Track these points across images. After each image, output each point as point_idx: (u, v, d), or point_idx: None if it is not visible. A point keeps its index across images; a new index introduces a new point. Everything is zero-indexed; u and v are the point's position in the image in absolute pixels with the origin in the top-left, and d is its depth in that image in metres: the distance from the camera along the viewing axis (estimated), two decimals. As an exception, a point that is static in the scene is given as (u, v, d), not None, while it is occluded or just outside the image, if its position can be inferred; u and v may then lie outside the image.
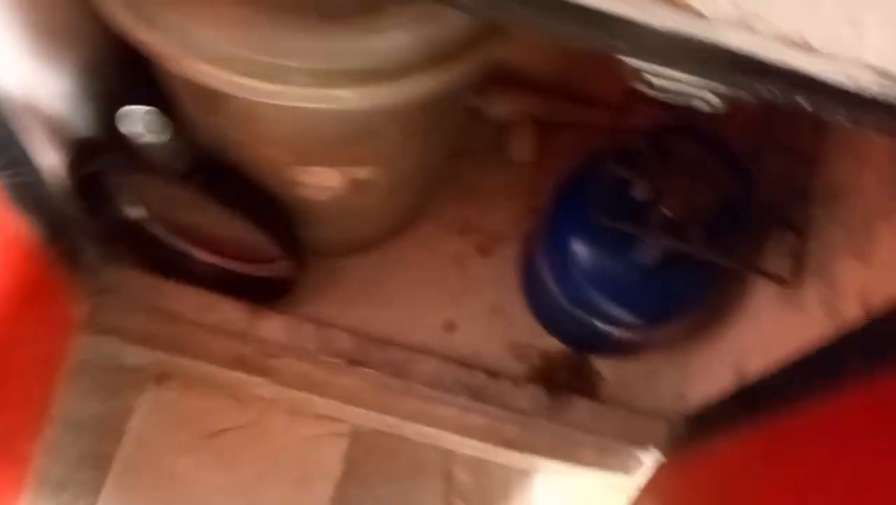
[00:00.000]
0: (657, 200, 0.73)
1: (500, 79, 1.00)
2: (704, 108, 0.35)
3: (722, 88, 0.33)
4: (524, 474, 0.94)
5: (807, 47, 0.30)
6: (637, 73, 0.34)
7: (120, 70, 0.83)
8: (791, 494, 0.63)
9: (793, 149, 0.77)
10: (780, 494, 0.65)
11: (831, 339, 0.64)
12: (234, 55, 0.53)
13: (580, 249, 0.83)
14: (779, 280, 0.70)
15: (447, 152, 0.88)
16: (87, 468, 0.90)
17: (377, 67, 0.55)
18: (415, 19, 0.54)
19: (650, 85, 0.34)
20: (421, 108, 0.63)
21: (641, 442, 0.87)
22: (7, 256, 0.70)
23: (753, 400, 0.74)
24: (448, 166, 0.98)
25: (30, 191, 0.70)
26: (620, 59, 0.33)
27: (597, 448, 0.89)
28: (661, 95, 0.35)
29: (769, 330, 0.77)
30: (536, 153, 1.06)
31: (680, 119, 0.83)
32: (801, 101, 0.33)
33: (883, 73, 0.31)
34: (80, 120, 0.78)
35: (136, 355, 0.93)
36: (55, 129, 0.75)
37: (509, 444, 0.89)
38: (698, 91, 0.34)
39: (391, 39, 0.55)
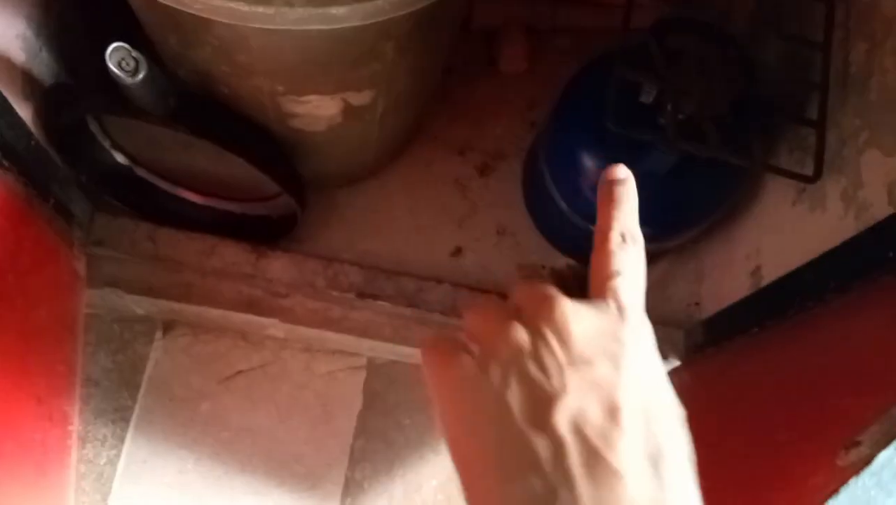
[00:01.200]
0: (667, 103, 0.70)
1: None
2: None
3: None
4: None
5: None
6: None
7: (81, 7, 0.78)
8: (813, 397, 0.63)
9: (801, 37, 0.74)
10: (802, 397, 0.65)
11: (856, 234, 0.62)
12: (217, -23, 0.48)
13: (588, 161, 0.81)
14: (798, 177, 0.68)
15: (442, 69, 0.84)
16: (106, 423, 0.89)
17: (371, -20, 0.51)
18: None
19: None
20: (418, 21, 0.59)
21: (660, 353, 0.86)
22: (3, 219, 0.67)
23: (771, 302, 0.74)
24: (442, 83, 0.94)
25: (12, 147, 0.66)
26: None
27: (615, 360, 0.89)
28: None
29: (787, 230, 0.75)
30: (529, 62, 1.02)
31: (681, 13, 0.79)
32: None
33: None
34: (43, 66, 0.73)
35: (140, 305, 0.91)
36: (21, 78, 0.70)
37: (527, 363, 0.89)
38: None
39: (384, -52, 0.50)
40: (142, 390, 0.90)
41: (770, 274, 0.77)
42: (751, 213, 0.84)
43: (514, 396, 0.28)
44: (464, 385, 0.29)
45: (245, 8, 0.49)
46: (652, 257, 0.94)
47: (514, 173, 0.97)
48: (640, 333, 0.31)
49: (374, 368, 0.95)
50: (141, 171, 0.84)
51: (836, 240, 0.64)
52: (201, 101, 0.68)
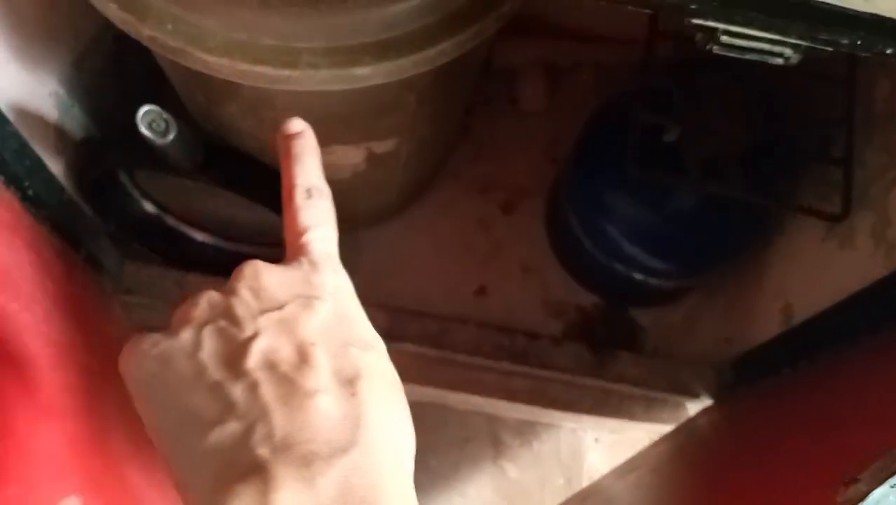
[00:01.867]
0: (690, 143, 0.70)
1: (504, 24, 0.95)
2: (777, 61, 0.32)
3: (800, 42, 0.30)
4: (573, 433, 0.93)
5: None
6: (705, 31, 0.30)
7: (112, 64, 0.80)
8: (830, 437, 0.62)
9: (824, 73, 0.74)
10: (821, 436, 0.63)
11: (887, 274, 0.61)
12: (245, 43, 0.49)
13: (611, 200, 0.81)
14: (825, 216, 0.67)
15: (464, 113, 0.85)
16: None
17: (393, 38, 0.51)
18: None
19: (717, 42, 0.31)
20: (439, 74, 0.59)
21: (690, 392, 0.85)
22: (49, 271, 0.68)
23: (802, 342, 0.73)
24: (463, 124, 0.95)
25: (44, 202, 0.67)
26: (687, 20, 0.30)
27: (645, 401, 0.88)
28: (728, 52, 0.32)
29: (816, 269, 0.74)
30: (550, 100, 1.03)
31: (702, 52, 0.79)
32: (889, 50, 0.30)
33: None
34: (75, 122, 0.75)
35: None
36: (53, 134, 0.72)
37: (555, 404, 0.88)
38: (772, 46, 0.30)
39: (406, 6, 0.51)
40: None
41: (801, 312, 0.76)
42: (779, 250, 0.83)
43: (208, 352, 0.27)
44: (157, 360, 0.28)
45: (272, 72, 0.50)
46: (680, 294, 0.94)
47: (537, 211, 0.98)
48: (333, 278, 0.31)
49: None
50: (170, 220, 0.86)
51: (866, 279, 0.63)
52: (228, 154, 0.70)
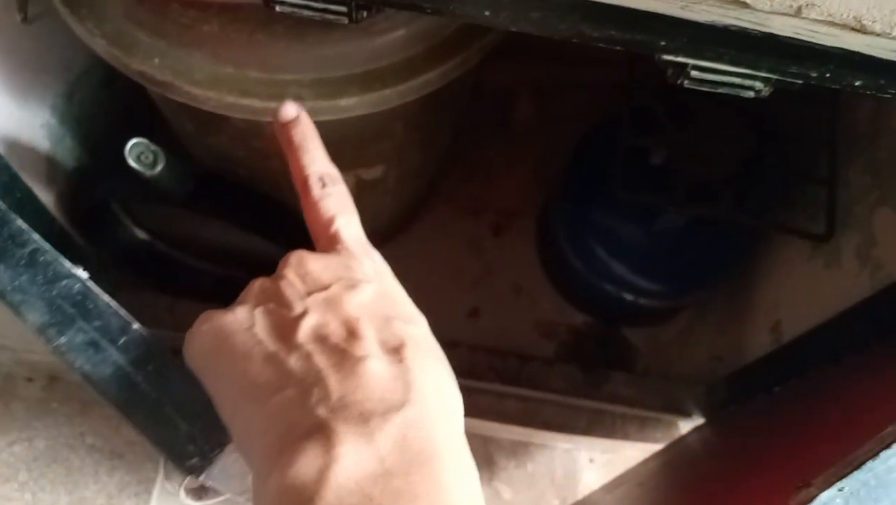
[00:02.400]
0: (677, 164, 0.71)
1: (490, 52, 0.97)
2: (749, 94, 0.32)
3: (770, 76, 0.31)
4: (567, 453, 0.93)
5: (864, 30, 0.27)
6: (675, 67, 0.31)
7: (103, 94, 0.80)
8: (818, 448, 0.62)
9: (810, 95, 0.75)
10: (806, 450, 0.64)
11: (871, 294, 0.62)
12: (232, 76, 0.50)
13: (600, 221, 0.81)
14: (810, 236, 0.68)
15: (453, 138, 0.85)
16: (130, 495, 0.90)
17: (378, 69, 0.52)
18: (411, 15, 0.51)
19: (688, 77, 0.32)
20: (425, 103, 0.60)
21: (682, 411, 0.86)
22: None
23: (791, 360, 0.73)
24: (453, 147, 0.95)
25: (38, 230, 0.68)
26: (657, 56, 0.31)
27: (638, 421, 0.88)
28: (700, 87, 0.32)
29: (804, 287, 0.75)
30: (540, 121, 1.04)
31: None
32: (858, 82, 0.30)
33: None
34: (67, 151, 0.76)
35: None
36: (45, 164, 0.73)
37: (549, 425, 0.88)
38: (743, 80, 0.31)
39: (390, 38, 0.52)
40: (161, 466, 0.90)
41: (790, 329, 0.76)
42: (768, 269, 0.84)
43: (261, 328, 0.29)
44: (216, 335, 0.30)
45: (258, 104, 0.51)
46: (671, 313, 0.94)
47: (527, 232, 0.98)
48: (370, 262, 0.33)
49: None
50: (161, 246, 0.86)
51: (851, 299, 0.64)
52: (218, 183, 0.70)
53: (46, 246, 0.26)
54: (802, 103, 0.75)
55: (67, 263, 0.26)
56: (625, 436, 0.89)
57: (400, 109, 0.57)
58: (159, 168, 0.58)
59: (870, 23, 0.27)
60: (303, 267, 0.32)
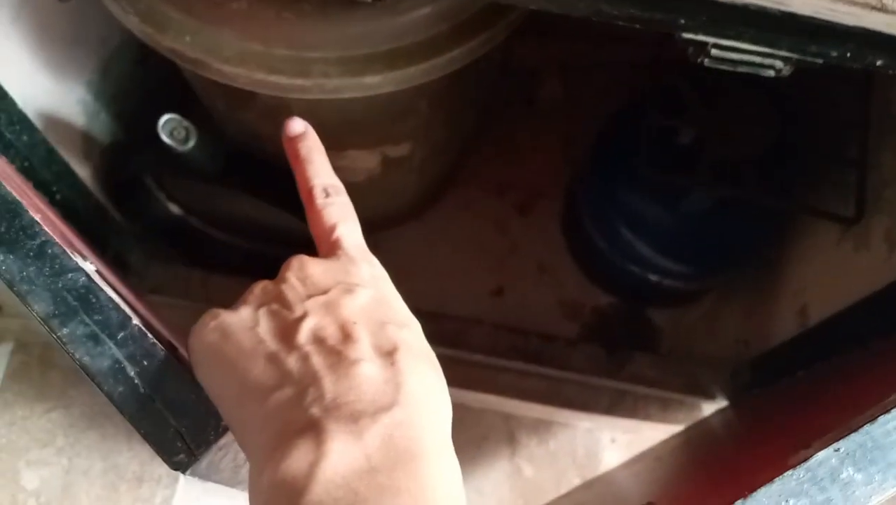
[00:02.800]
0: (704, 144, 0.71)
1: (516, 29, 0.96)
2: (769, 73, 0.32)
3: (790, 55, 0.31)
4: (589, 433, 0.94)
5: (885, 9, 0.27)
6: (696, 45, 0.31)
7: (136, 71, 0.82)
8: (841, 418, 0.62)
9: (842, 76, 0.73)
10: (830, 419, 0.63)
11: (900, 276, 0.61)
12: (260, 53, 0.51)
13: (626, 201, 0.81)
14: (838, 219, 0.67)
15: (479, 116, 0.85)
16: (161, 464, 0.92)
17: (403, 47, 0.53)
18: (437, -8, 0.51)
19: (708, 56, 0.32)
20: (450, 81, 0.61)
21: (706, 393, 0.86)
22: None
23: (816, 344, 0.72)
24: (479, 125, 0.96)
25: (72, 206, 0.70)
26: (677, 35, 0.31)
27: (660, 402, 0.88)
28: (720, 66, 0.32)
29: (832, 271, 0.74)
30: (567, 101, 1.03)
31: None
32: (879, 62, 0.30)
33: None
34: (102, 127, 0.78)
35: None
36: (80, 140, 0.75)
37: (570, 403, 0.89)
38: (763, 59, 0.31)
39: (415, 16, 0.52)
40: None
41: (816, 314, 0.75)
42: (796, 252, 0.83)
43: (264, 328, 0.30)
44: (219, 333, 0.31)
45: (285, 81, 0.51)
46: (697, 295, 0.94)
47: (553, 211, 0.98)
48: (368, 268, 0.34)
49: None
50: (194, 221, 0.88)
51: (880, 282, 0.63)
52: (247, 159, 0.71)
53: (55, 239, 0.27)
54: (834, 83, 0.74)
55: (76, 257, 0.27)
56: (647, 417, 0.89)
57: (425, 87, 0.57)
58: (191, 144, 0.59)
59: (891, 2, 0.27)
60: (303, 271, 0.33)
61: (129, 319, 0.28)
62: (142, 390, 0.28)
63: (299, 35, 0.51)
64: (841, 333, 0.68)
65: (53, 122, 0.70)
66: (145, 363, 0.28)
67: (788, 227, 0.82)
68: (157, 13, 0.52)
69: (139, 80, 0.82)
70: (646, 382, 0.87)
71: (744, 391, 0.84)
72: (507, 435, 0.94)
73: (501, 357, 0.88)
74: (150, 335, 0.28)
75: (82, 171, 0.74)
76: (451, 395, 0.98)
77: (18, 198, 0.27)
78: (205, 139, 0.62)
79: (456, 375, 0.91)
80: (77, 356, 0.28)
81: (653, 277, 0.83)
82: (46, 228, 0.27)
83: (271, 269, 0.98)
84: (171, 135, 0.59)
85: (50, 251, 0.27)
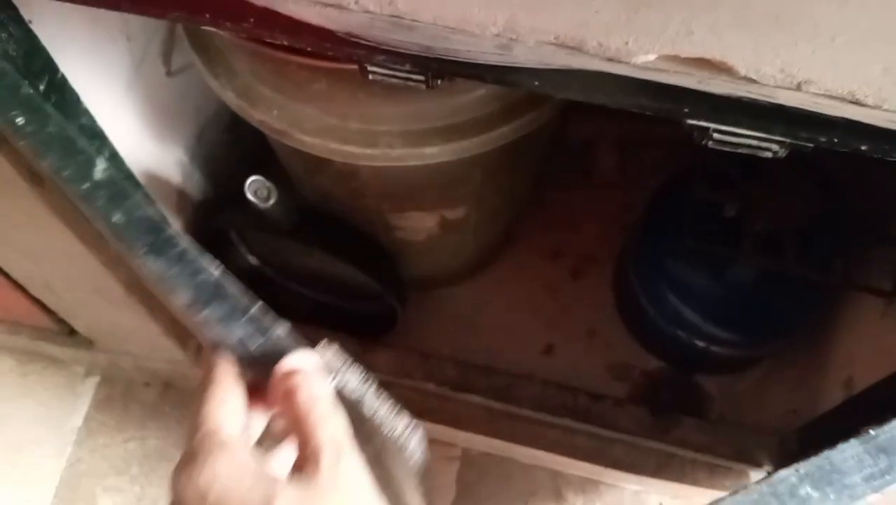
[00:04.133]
0: (748, 218, 0.74)
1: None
2: (767, 155, 0.37)
3: (784, 139, 0.35)
4: (636, 495, 0.95)
5: (859, 103, 0.32)
6: (699, 130, 0.36)
7: (228, 136, 0.92)
8: None
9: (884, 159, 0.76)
10: None
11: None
12: (336, 126, 0.59)
13: (674, 270, 0.84)
14: (878, 293, 0.69)
15: (533, 182, 0.91)
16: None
17: (457, 123, 0.59)
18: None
19: (711, 139, 0.37)
20: (502, 151, 0.67)
21: (753, 460, 0.86)
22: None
23: (861, 412, 0.73)
24: (536, 193, 1.01)
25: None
26: (683, 121, 0.36)
27: (708, 467, 0.89)
28: (722, 147, 0.37)
29: (876, 344, 0.75)
30: (622, 173, 1.08)
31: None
32: (864, 147, 0.34)
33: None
34: (195, 185, 0.87)
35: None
36: (176, 196, 0.84)
37: (617, 464, 0.91)
38: (759, 143, 0.36)
39: (469, 97, 0.59)
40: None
41: (862, 385, 0.76)
42: (843, 324, 0.84)
43: None
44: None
45: (356, 150, 0.59)
46: (746, 363, 0.95)
47: (605, 276, 1.02)
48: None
49: (469, 460, 1.00)
50: (269, 272, 0.96)
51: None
52: (320, 217, 0.79)
53: (192, 248, 0.35)
54: (876, 161, 0.76)
55: (206, 261, 0.35)
56: (694, 481, 0.90)
57: (478, 158, 0.63)
58: (272, 202, 0.67)
59: (863, 97, 0.32)
60: None
61: (250, 306, 0.35)
62: (258, 361, 0.34)
63: (369, 112, 0.58)
64: (884, 402, 0.69)
65: (154, 179, 0.80)
66: (261, 341, 0.34)
67: (835, 300, 0.83)
68: (251, 90, 0.61)
69: (229, 145, 0.92)
70: (693, 446, 0.88)
71: (791, 459, 0.84)
72: (554, 492, 0.96)
73: (550, 413, 0.91)
74: (271, 313, 0.34)
75: (175, 223, 0.83)
76: (500, 448, 1.02)
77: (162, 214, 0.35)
78: (284, 198, 0.69)
79: (505, 428, 0.94)
80: (210, 334, 0.34)
81: (700, 344, 0.85)
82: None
83: (334, 317, 1.04)
84: (255, 194, 0.67)
85: (188, 257, 0.34)
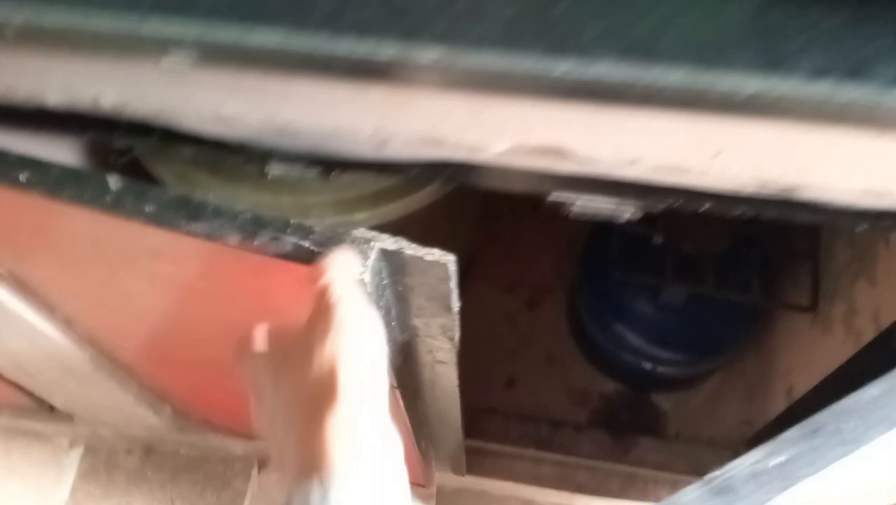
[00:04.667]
0: (671, 246, 0.78)
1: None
2: (626, 217, 0.41)
3: (638, 203, 0.40)
4: (603, 517, 0.98)
5: (689, 172, 0.36)
6: (562, 203, 0.41)
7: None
8: None
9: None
10: None
11: (851, 356, 0.66)
12: (269, 203, 0.63)
13: (614, 298, 0.89)
14: (796, 308, 0.73)
15: (479, 226, 0.96)
16: (210, 555, 1.02)
17: (386, 188, 0.64)
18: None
19: (575, 208, 0.41)
20: (435, 208, 0.71)
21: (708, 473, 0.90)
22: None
23: (800, 419, 0.77)
24: (490, 227, 1.06)
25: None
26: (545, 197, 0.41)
27: (670, 484, 0.93)
28: (583, 216, 0.42)
29: (808, 353, 0.79)
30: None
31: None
32: (706, 206, 0.39)
33: (760, 181, 0.37)
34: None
35: (239, 445, 1.05)
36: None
37: (583, 488, 0.94)
38: (616, 208, 0.40)
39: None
40: (239, 523, 1.02)
41: (800, 393, 0.80)
42: (780, 334, 0.88)
43: None
44: None
45: (288, 223, 0.63)
46: (697, 379, 0.99)
47: (559, 305, 1.06)
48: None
49: (443, 497, 1.03)
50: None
51: (840, 361, 0.69)
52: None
53: (221, 204, 0.38)
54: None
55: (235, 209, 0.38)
56: (657, 499, 0.94)
57: (413, 216, 0.68)
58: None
59: (687, 169, 0.36)
60: None
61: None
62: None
63: (299, 186, 0.63)
64: (819, 407, 0.73)
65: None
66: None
67: (769, 314, 0.88)
68: (188, 174, 0.65)
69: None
70: (651, 465, 0.91)
71: (744, 471, 0.88)
72: (526, 521, 0.99)
73: (514, 445, 0.94)
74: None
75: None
76: (472, 483, 1.04)
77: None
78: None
79: (474, 463, 0.98)
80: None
81: (647, 365, 0.89)
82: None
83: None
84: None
85: (221, 209, 0.37)
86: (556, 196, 0.40)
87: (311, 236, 0.38)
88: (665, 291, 0.81)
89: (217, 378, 0.85)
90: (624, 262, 0.80)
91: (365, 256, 0.37)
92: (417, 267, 0.39)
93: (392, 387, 0.38)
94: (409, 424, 0.59)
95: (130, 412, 0.94)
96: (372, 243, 0.38)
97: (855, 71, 0.29)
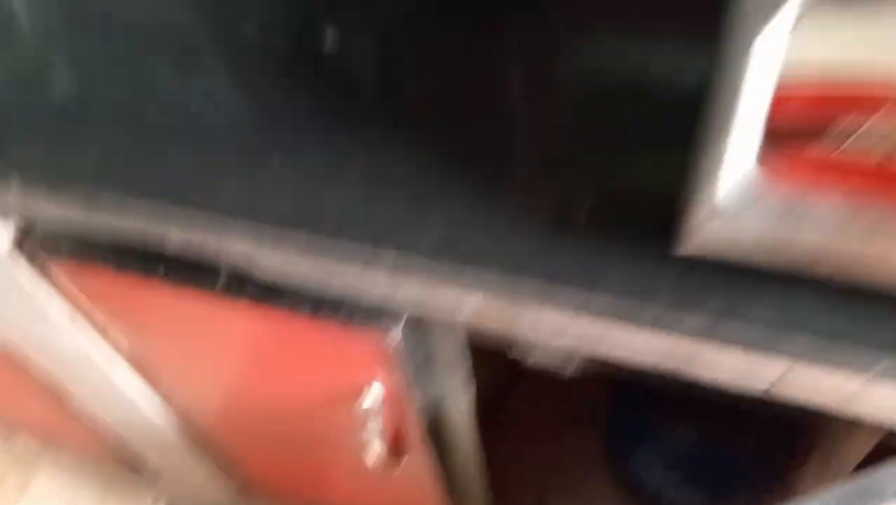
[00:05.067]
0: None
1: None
2: (570, 371, 0.53)
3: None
4: None
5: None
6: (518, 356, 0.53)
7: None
8: None
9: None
10: None
11: None
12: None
13: (645, 429, 0.96)
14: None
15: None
16: None
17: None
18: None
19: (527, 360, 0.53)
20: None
21: None
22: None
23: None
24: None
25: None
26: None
27: None
28: (542, 366, 0.53)
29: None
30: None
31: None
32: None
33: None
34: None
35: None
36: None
37: None
38: (562, 363, 0.52)
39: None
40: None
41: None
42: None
43: None
44: None
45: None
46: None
47: (591, 432, 1.12)
48: None
49: None
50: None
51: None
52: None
53: None
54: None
55: None
56: None
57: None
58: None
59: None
60: None
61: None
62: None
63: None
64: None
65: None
66: None
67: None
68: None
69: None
70: None
71: None
72: None
73: None
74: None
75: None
76: None
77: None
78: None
79: None
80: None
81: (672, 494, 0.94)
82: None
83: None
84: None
85: None
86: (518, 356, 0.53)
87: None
88: (693, 430, 0.88)
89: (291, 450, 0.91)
90: (656, 399, 0.88)
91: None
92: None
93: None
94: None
95: (205, 478, 1.07)
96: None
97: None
